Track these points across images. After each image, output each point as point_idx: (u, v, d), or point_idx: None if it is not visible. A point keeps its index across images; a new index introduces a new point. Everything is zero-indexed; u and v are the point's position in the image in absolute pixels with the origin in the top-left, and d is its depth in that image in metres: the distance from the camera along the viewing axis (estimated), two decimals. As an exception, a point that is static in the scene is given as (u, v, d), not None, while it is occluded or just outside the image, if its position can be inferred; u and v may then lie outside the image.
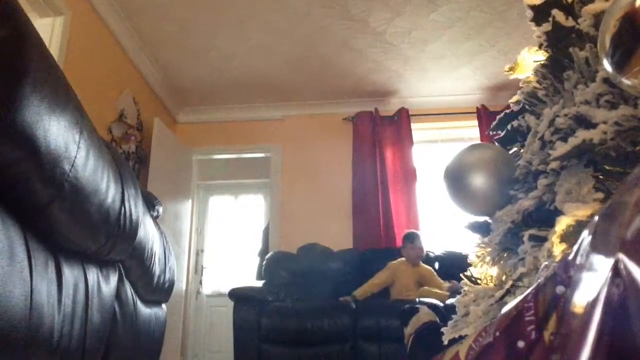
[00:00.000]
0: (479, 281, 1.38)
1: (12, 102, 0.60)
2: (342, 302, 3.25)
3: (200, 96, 4.59)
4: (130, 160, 3.64)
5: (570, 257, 0.54)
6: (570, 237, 0.87)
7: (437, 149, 4.69)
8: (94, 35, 3.18)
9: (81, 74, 2.94)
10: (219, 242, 5.56)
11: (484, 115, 4.37)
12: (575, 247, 0.54)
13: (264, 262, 3.93)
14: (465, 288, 1.40)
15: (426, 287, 3.37)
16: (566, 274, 0.53)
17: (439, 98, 4.53)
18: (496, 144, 1.48)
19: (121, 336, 1.22)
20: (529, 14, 1.26)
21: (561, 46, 1.13)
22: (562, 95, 1.13)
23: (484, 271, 1.36)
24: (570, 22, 1.10)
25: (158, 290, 1.61)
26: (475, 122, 4.41)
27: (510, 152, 1.43)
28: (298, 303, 3.36)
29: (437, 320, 1.75)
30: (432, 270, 3.58)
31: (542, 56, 1.22)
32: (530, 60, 1.31)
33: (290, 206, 4.47)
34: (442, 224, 4.26)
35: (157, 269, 1.52)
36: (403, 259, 3.59)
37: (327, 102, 4.67)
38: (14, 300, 0.65)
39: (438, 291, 3.29)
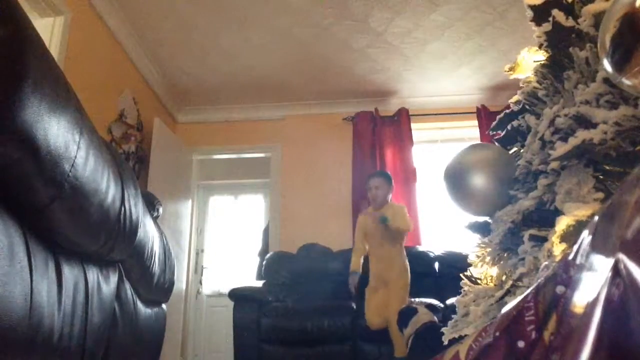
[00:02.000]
0: (479, 281, 1.38)
1: (12, 103, 0.60)
2: (352, 288, 3.05)
3: (200, 96, 4.59)
4: (130, 160, 3.64)
5: (570, 257, 0.54)
6: (570, 237, 0.87)
7: (437, 149, 4.69)
8: (94, 35, 3.18)
9: (81, 74, 2.94)
10: (219, 242, 5.56)
11: (484, 115, 4.37)
12: (575, 247, 0.54)
13: (264, 262, 3.93)
14: (465, 288, 1.40)
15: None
16: (566, 274, 0.53)
17: (439, 98, 4.53)
18: (496, 144, 1.48)
19: (121, 336, 1.22)
20: (529, 14, 1.26)
21: (561, 46, 1.13)
22: (562, 95, 1.13)
23: (484, 271, 1.36)
24: (570, 22, 1.10)
25: (158, 290, 1.61)
26: (475, 122, 4.41)
27: (510, 152, 1.43)
28: (298, 303, 3.36)
29: (436, 320, 1.76)
30: (399, 210, 3.05)
31: (542, 56, 1.22)
32: (530, 60, 1.31)
33: (290, 206, 4.47)
34: (442, 224, 4.26)
35: (157, 269, 1.52)
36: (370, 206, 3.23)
37: (327, 102, 4.67)
38: (14, 300, 0.65)
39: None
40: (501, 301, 1.15)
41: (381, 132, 4.47)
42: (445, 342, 1.33)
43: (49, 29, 2.70)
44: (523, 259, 1.11)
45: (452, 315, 1.39)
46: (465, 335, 0.97)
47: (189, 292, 4.67)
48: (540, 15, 1.21)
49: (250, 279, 4.56)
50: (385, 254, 2.98)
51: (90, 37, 3.11)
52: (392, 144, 4.48)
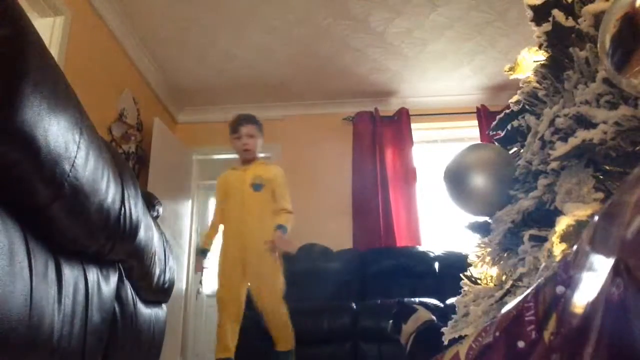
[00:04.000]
0: (479, 281, 1.38)
1: (12, 102, 0.60)
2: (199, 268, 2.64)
3: (200, 96, 4.59)
4: (130, 160, 3.64)
5: (570, 257, 0.54)
6: (570, 237, 0.87)
7: (437, 149, 4.69)
8: (94, 35, 3.18)
9: (81, 74, 2.94)
10: (219, 242, 5.55)
11: (484, 115, 4.37)
12: (575, 247, 0.54)
13: (264, 262, 3.92)
14: (465, 288, 1.40)
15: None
16: (566, 274, 0.53)
17: (439, 98, 4.53)
18: (496, 144, 1.48)
19: (121, 336, 1.22)
20: (529, 14, 1.26)
21: (561, 46, 1.13)
22: (562, 95, 1.13)
23: (484, 271, 1.36)
24: (570, 22, 1.10)
25: (158, 290, 1.61)
26: (475, 122, 4.41)
27: (510, 152, 1.43)
28: (298, 303, 3.36)
29: (435, 319, 1.76)
30: (279, 175, 2.59)
31: (542, 56, 1.22)
32: (530, 60, 1.31)
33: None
34: (442, 224, 4.26)
35: (157, 269, 1.52)
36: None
37: (327, 102, 4.67)
38: (14, 300, 0.65)
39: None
40: (501, 301, 1.15)
41: (381, 132, 4.47)
42: (445, 342, 1.33)
43: (49, 29, 2.69)
44: (523, 259, 1.11)
45: (452, 315, 1.39)
46: (465, 335, 0.97)
47: (189, 292, 4.67)
48: (540, 15, 1.21)
49: (250, 279, 4.55)
50: (252, 219, 2.52)
51: (90, 37, 3.11)
52: (392, 144, 4.48)
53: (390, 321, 1.86)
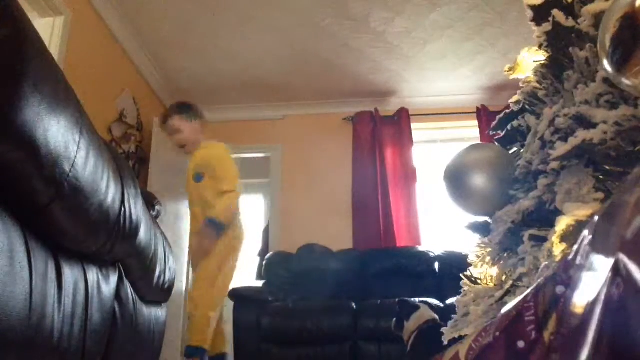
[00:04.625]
0: (479, 281, 1.38)
1: (12, 102, 0.60)
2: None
3: (200, 96, 4.58)
4: (130, 160, 3.64)
5: (570, 257, 0.54)
6: (570, 237, 0.87)
7: (437, 149, 4.69)
8: (94, 35, 3.18)
9: (81, 74, 2.94)
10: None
11: (484, 115, 4.36)
12: (575, 247, 0.54)
13: (264, 262, 3.93)
14: (465, 288, 1.40)
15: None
16: (566, 274, 0.53)
17: (439, 98, 4.53)
18: (496, 144, 1.48)
19: (121, 336, 1.22)
20: (529, 14, 1.26)
21: (561, 46, 1.13)
22: (562, 95, 1.13)
23: (484, 271, 1.36)
24: (570, 22, 1.10)
25: (158, 290, 1.61)
26: (475, 122, 4.41)
27: (510, 152, 1.43)
28: (298, 303, 3.36)
29: (437, 319, 1.75)
30: (214, 157, 2.48)
31: (542, 56, 1.22)
32: (530, 60, 1.31)
33: (290, 206, 4.47)
34: (442, 224, 4.26)
35: (157, 269, 1.52)
36: None
37: (327, 102, 4.67)
38: (14, 300, 0.65)
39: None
40: (501, 301, 1.15)
41: (381, 132, 4.47)
42: (445, 342, 1.33)
43: (49, 29, 2.69)
44: (523, 259, 1.11)
45: (452, 315, 1.39)
46: (465, 335, 0.97)
47: (189, 292, 4.67)
48: (540, 15, 1.21)
49: (250, 279, 4.56)
50: (194, 214, 2.42)
51: (90, 37, 3.11)
52: (392, 144, 4.48)
53: (394, 319, 1.86)
